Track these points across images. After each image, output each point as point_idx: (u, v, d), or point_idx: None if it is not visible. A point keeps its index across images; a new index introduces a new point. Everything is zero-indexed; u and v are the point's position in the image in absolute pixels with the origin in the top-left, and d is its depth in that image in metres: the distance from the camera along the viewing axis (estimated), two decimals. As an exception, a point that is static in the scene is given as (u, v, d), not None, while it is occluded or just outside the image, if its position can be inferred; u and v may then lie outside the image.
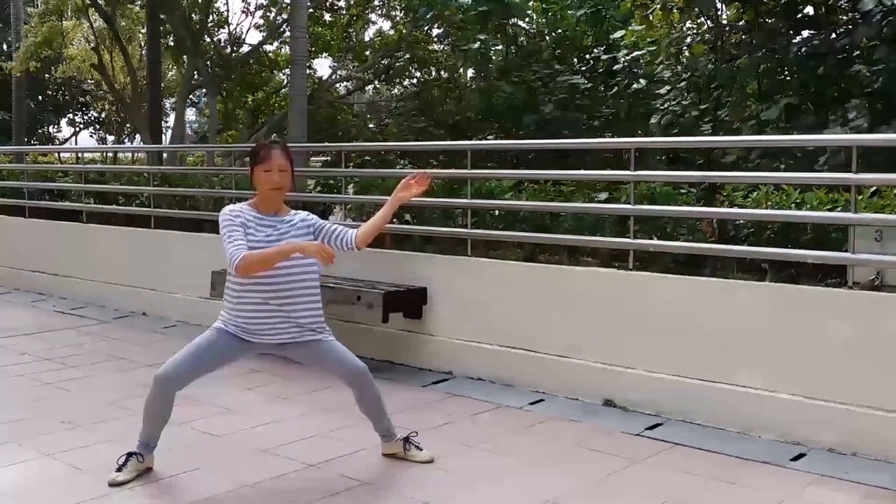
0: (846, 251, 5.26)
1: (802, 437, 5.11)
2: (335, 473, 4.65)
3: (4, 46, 27.63)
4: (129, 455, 4.55)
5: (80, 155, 13.51)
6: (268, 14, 21.57)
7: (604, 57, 12.30)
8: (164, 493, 4.35)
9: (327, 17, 21.12)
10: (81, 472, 4.65)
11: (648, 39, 10.60)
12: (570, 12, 14.61)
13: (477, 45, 12.97)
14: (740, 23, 9.78)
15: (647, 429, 5.44)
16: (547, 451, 5.03)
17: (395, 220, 8.15)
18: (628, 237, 6.11)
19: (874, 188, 5.67)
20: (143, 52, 22.02)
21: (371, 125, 20.23)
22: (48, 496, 4.33)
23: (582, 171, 7.99)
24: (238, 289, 4.50)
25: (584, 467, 4.77)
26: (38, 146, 26.37)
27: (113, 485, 4.41)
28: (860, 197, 5.44)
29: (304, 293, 4.53)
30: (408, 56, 20.13)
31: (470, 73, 18.79)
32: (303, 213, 4.72)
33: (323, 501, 4.27)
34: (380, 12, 21.60)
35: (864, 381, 4.95)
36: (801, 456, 4.94)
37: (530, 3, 15.59)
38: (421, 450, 4.86)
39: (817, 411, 5.07)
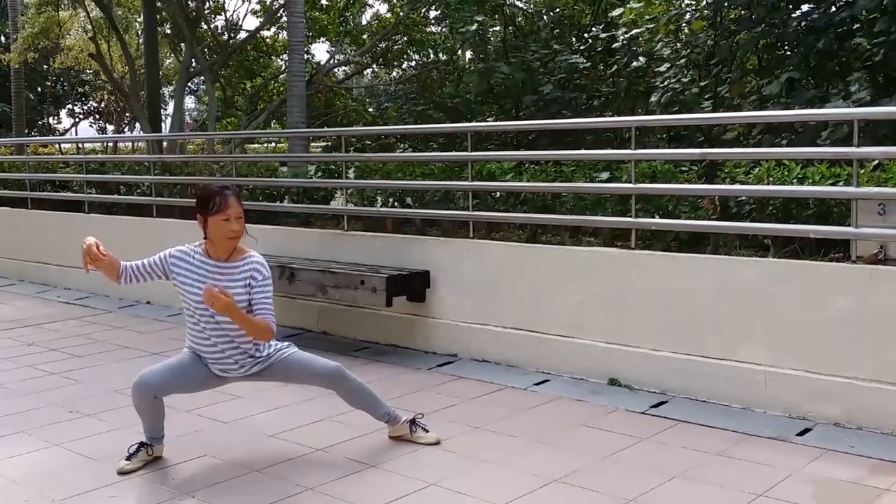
0: (849, 225, 5.25)
1: (807, 412, 5.13)
2: (342, 457, 4.67)
3: (2, 38, 27.59)
4: (141, 445, 4.58)
5: (80, 145, 13.48)
6: (264, -1, 21.51)
7: (602, 35, 12.23)
8: (171, 480, 4.37)
9: (324, 1, 21.06)
10: (89, 460, 4.67)
11: (647, 17, 10.54)
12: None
13: (474, 26, 12.89)
14: (739, -3, 9.74)
15: (651, 407, 5.45)
16: (552, 431, 5.05)
17: (396, 203, 8.18)
18: (630, 216, 6.10)
19: (876, 162, 5.65)
20: (141, 41, 21.96)
21: (370, 109, 20.18)
22: (56, 485, 4.35)
23: (582, 151, 7.98)
24: (195, 335, 4.55)
25: (589, 446, 4.79)
26: (38, 137, 26.37)
27: (121, 473, 4.44)
28: (862, 171, 5.42)
29: (235, 330, 4.45)
30: (405, 39, 20.09)
31: (468, 54, 18.73)
32: (253, 259, 4.53)
33: (331, 485, 4.28)
34: (376, -5, 21.56)
35: (868, 355, 4.96)
36: (806, 431, 4.95)
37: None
38: (427, 431, 4.89)
39: (822, 386, 5.08)
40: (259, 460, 4.63)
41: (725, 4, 9.47)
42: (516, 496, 4.11)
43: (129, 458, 4.53)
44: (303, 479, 4.37)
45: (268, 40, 22.66)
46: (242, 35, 21.94)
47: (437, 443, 4.85)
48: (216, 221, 4.40)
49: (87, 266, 4.36)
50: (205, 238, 4.52)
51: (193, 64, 20.21)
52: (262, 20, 21.26)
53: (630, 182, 6.13)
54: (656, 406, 5.47)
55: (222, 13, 22.27)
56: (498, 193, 7.42)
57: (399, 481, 4.33)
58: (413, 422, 4.90)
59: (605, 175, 6.77)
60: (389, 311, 6.89)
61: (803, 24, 8.74)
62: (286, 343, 4.71)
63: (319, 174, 9.06)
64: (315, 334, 7.57)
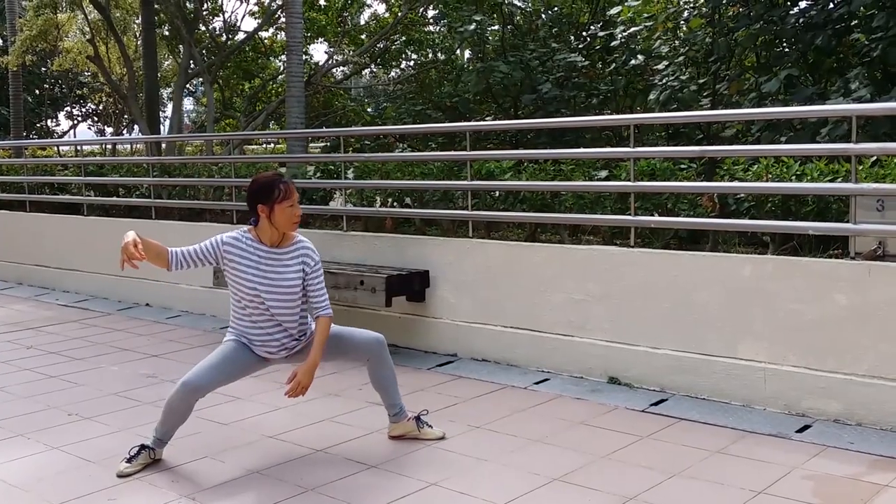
0: (847, 222, 5.25)
1: (807, 409, 5.13)
2: (342, 458, 4.67)
3: (0, 41, 27.56)
4: (142, 448, 4.57)
5: (78, 148, 13.47)
6: (262, 0, 21.49)
7: (601, 34, 12.22)
8: (171, 482, 4.37)
9: (322, 1, 21.05)
10: (89, 463, 4.67)
11: (645, 15, 10.53)
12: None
13: (473, 25, 12.87)
14: (736, -5, 9.74)
15: (651, 405, 5.45)
16: (553, 430, 5.05)
17: (395, 203, 8.17)
18: (629, 214, 6.10)
19: (875, 158, 5.64)
20: (139, 43, 21.95)
21: (369, 109, 20.17)
22: (56, 488, 4.34)
23: (581, 150, 7.97)
24: (243, 321, 4.59)
25: (590, 445, 4.79)
26: (36, 140, 26.37)
27: (121, 476, 4.44)
28: (861, 167, 5.41)
29: (294, 314, 4.55)
30: (403, 39, 20.07)
31: (466, 54, 18.72)
32: (302, 243, 4.63)
33: (331, 486, 4.28)
34: (374, -5, 21.55)
35: (868, 352, 4.96)
36: (806, 427, 4.95)
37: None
38: (432, 427, 4.92)
39: (821, 382, 5.08)
40: (259, 461, 4.63)
41: (723, 2, 9.46)
42: (517, 495, 4.11)
43: (129, 460, 4.52)
44: (303, 480, 4.36)
45: (266, 41, 22.65)
46: (241, 36, 21.93)
47: (443, 437, 4.89)
48: (283, 208, 4.45)
49: (124, 265, 4.31)
50: (254, 226, 4.56)
51: (192, 65, 20.20)
52: (260, 21, 21.25)
53: (629, 180, 6.13)
54: (656, 404, 5.47)
55: (220, 14, 22.26)
56: (497, 193, 7.41)
57: (399, 481, 4.33)
58: (418, 418, 4.91)
59: (603, 173, 6.76)
60: (389, 312, 6.88)
61: (801, 20, 8.73)
62: None
63: (318, 174, 9.05)
64: (315, 335, 7.56)
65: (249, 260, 4.50)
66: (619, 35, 11.02)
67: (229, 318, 4.69)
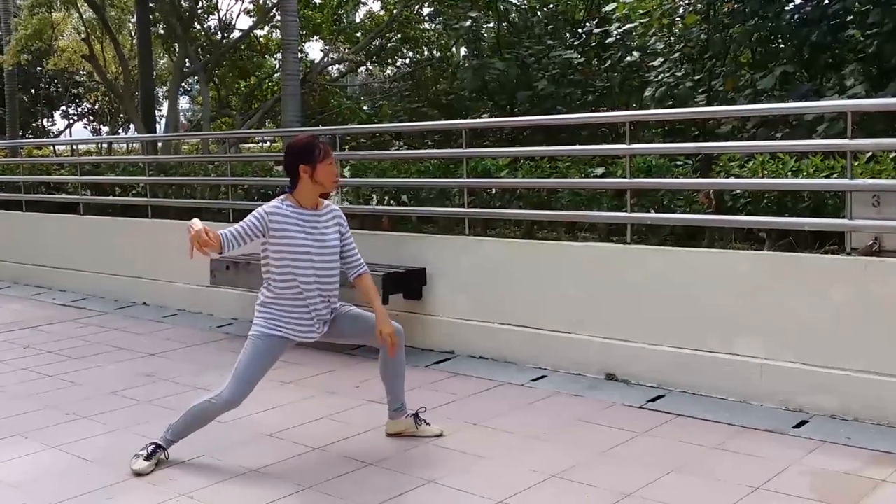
0: (843, 217, 5.26)
1: (804, 404, 5.14)
2: (341, 455, 4.67)
3: (-5, 40, 27.51)
4: (157, 448, 4.56)
5: (74, 147, 13.46)
6: (257, -2, 21.46)
7: (596, 31, 12.23)
8: (169, 481, 4.37)
9: (317, -1, 21.04)
10: (86, 462, 4.67)
11: (640, 11, 10.54)
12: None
13: (468, 22, 12.88)
14: (732, -9, 9.74)
15: (649, 401, 5.46)
16: (550, 427, 5.05)
17: (392, 201, 8.17)
18: (625, 211, 6.11)
19: (870, 153, 5.65)
20: (134, 42, 21.92)
21: (365, 107, 20.15)
22: (55, 487, 4.34)
23: (577, 147, 7.98)
24: (286, 292, 4.55)
25: (587, 441, 4.80)
26: (32, 139, 26.32)
27: (138, 474, 4.42)
28: (856, 163, 5.42)
29: (335, 277, 4.65)
30: (399, 36, 20.06)
31: (462, 51, 18.71)
32: (332, 206, 4.76)
33: (329, 484, 4.28)
34: (370, -7, 21.53)
35: (864, 347, 4.97)
36: (803, 423, 4.96)
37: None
38: (430, 425, 4.94)
39: (818, 378, 5.09)
40: (257, 460, 4.63)
41: (718, -2, 9.48)
42: (515, 492, 4.12)
43: (147, 458, 4.50)
44: (301, 477, 4.37)
45: (261, 39, 22.62)
46: (236, 34, 21.90)
47: (441, 434, 4.90)
48: (325, 166, 4.55)
49: (194, 253, 4.30)
50: (290, 190, 4.60)
51: (187, 64, 20.18)
52: (255, 19, 21.22)
53: (625, 177, 6.14)
54: (653, 400, 5.48)
55: (215, 13, 22.23)
56: (493, 190, 7.42)
57: (398, 479, 4.33)
58: (416, 416, 4.92)
59: (600, 170, 6.77)
60: (386, 309, 6.87)
61: (796, 16, 8.75)
62: None
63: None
64: (312, 333, 7.56)
65: (297, 225, 4.54)
66: (615, 32, 11.04)
67: (261, 302, 4.62)
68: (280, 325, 4.56)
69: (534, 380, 6.02)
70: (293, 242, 4.50)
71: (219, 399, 4.51)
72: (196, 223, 4.25)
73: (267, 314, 4.59)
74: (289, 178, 4.62)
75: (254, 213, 4.55)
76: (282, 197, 4.63)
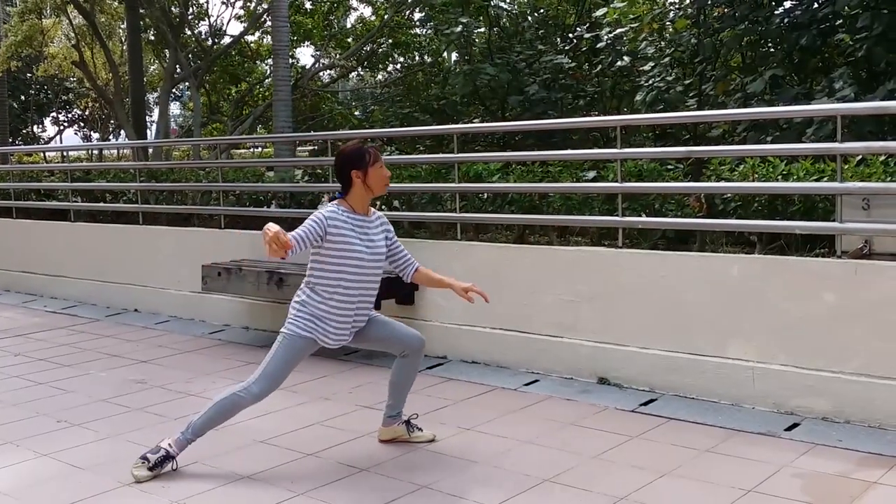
0: (834, 221, 5.28)
1: (796, 407, 5.15)
2: (333, 461, 4.67)
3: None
4: (166, 458, 4.52)
5: (65, 153, 13.44)
6: (248, 4, 21.45)
7: (587, 35, 12.25)
8: (162, 488, 4.36)
9: (308, 5, 21.03)
10: (78, 470, 4.65)
11: (631, 16, 10.57)
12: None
13: (459, 28, 12.88)
14: (721, -5, 9.78)
15: (641, 405, 5.47)
16: (543, 431, 5.06)
17: (383, 206, 8.17)
18: (617, 215, 6.13)
19: (860, 157, 5.67)
20: (124, 48, 21.89)
21: (356, 112, 20.14)
22: (45, 495, 4.33)
23: (569, 151, 7.98)
24: (333, 298, 4.54)
25: (580, 445, 4.80)
26: (22, 146, 26.26)
27: (139, 481, 4.41)
28: (846, 166, 5.44)
29: (377, 284, 4.72)
30: (390, 41, 20.07)
31: (453, 56, 18.74)
32: (379, 213, 4.82)
33: (321, 490, 4.28)
34: (361, -2, 21.54)
35: (855, 349, 4.98)
36: (794, 426, 4.98)
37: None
38: (422, 430, 4.95)
39: (810, 381, 5.11)
40: (250, 466, 4.62)
41: (708, 3, 9.50)
42: (508, 497, 4.12)
43: (152, 468, 4.48)
44: (294, 484, 4.36)
45: (252, 45, 22.61)
46: (227, 40, 21.88)
47: (433, 440, 4.90)
48: (376, 170, 4.62)
49: (273, 255, 4.28)
50: (342, 195, 4.63)
51: (178, 70, 20.14)
52: (246, 25, 21.21)
53: (616, 181, 6.16)
54: (646, 404, 5.49)
55: (206, 19, 22.22)
56: (485, 195, 7.43)
57: (391, 484, 4.33)
58: (408, 422, 4.93)
59: (591, 174, 6.78)
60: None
61: (786, 20, 8.78)
62: None
63: (306, 178, 9.05)
64: (304, 339, 7.55)
65: (353, 231, 4.57)
66: (606, 36, 11.06)
67: (300, 301, 4.60)
68: (316, 329, 4.56)
69: (526, 384, 6.02)
70: (349, 248, 4.53)
71: (248, 393, 4.51)
72: (272, 226, 4.23)
73: (305, 315, 4.57)
74: (340, 185, 4.65)
75: (312, 218, 4.53)
76: (335, 202, 4.64)
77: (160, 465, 4.50)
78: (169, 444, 4.55)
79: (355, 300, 4.58)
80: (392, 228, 4.83)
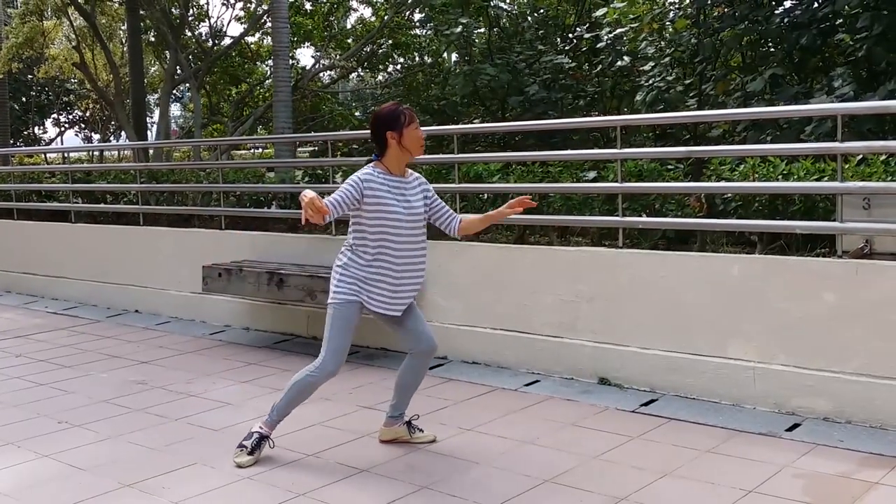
0: (834, 220, 5.28)
1: (797, 408, 5.15)
2: (334, 462, 4.67)
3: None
4: (262, 439, 4.69)
5: (66, 155, 13.43)
6: (248, 5, 21.44)
7: (587, 35, 12.24)
8: (162, 489, 4.36)
9: (308, 5, 21.01)
10: (79, 471, 4.65)
11: (631, 16, 10.57)
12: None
13: (459, 28, 12.88)
14: (721, -5, 9.78)
15: (641, 405, 5.46)
16: (543, 432, 5.05)
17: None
18: (617, 215, 6.12)
19: (861, 156, 5.67)
20: (125, 49, 21.88)
21: (356, 113, 20.13)
22: (47, 496, 4.33)
23: (569, 151, 7.99)
24: (376, 261, 4.57)
25: (580, 446, 4.80)
26: (23, 148, 26.27)
27: (241, 467, 4.57)
28: (847, 165, 5.44)
29: (424, 253, 4.72)
30: (390, 42, 20.06)
31: (453, 56, 18.73)
32: (417, 174, 4.83)
33: (322, 490, 4.28)
34: (361, -1, 21.51)
35: (856, 349, 4.98)
36: (795, 426, 4.97)
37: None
38: (423, 431, 4.95)
39: (810, 381, 5.10)
40: (250, 467, 4.61)
41: (708, 2, 9.49)
42: (508, 497, 4.12)
43: (251, 451, 4.66)
44: (294, 484, 4.36)
45: (252, 46, 22.59)
46: (227, 41, 21.86)
47: (434, 440, 4.90)
48: (411, 131, 4.64)
49: (309, 219, 4.29)
50: (377, 157, 4.66)
51: (178, 71, 20.13)
52: (246, 26, 21.21)
53: (616, 181, 6.15)
54: (646, 404, 5.48)
55: (206, 20, 22.20)
56: (485, 195, 7.43)
57: (391, 485, 4.33)
58: (409, 423, 4.93)
59: (591, 175, 6.78)
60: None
61: (786, 20, 8.77)
62: None
63: (307, 179, 9.05)
64: (305, 339, 7.56)
65: (391, 193, 4.59)
66: (605, 36, 11.05)
67: (342, 264, 4.64)
68: (361, 292, 4.59)
69: (527, 385, 6.02)
70: (387, 209, 4.54)
71: (321, 371, 4.61)
72: (308, 192, 4.28)
73: (348, 279, 4.60)
74: (376, 146, 4.69)
75: (348, 181, 4.58)
76: (371, 165, 4.67)
77: (258, 448, 4.68)
78: (260, 427, 4.74)
79: (400, 266, 4.58)
80: (430, 187, 4.83)
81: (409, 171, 4.78)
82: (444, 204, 4.85)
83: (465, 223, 4.86)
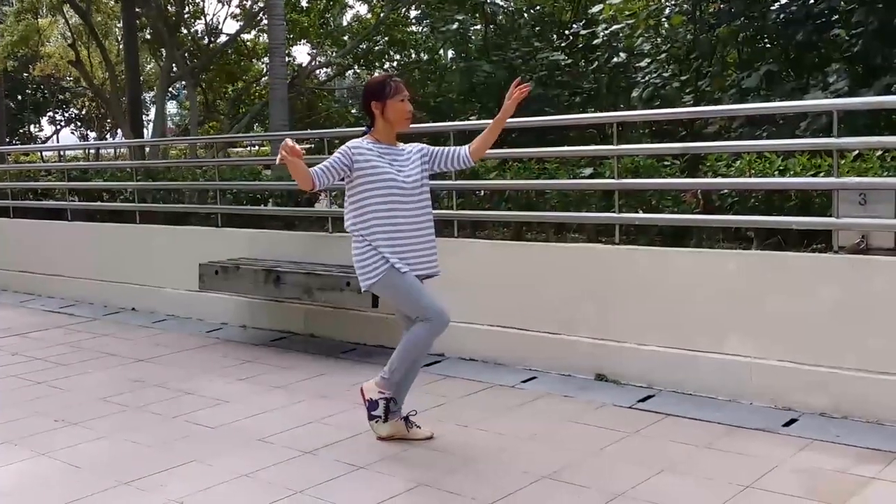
0: (830, 216, 5.28)
1: (793, 403, 5.15)
2: (331, 459, 4.66)
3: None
4: (389, 401, 4.76)
5: (62, 153, 13.45)
6: (244, 2, 21.44)
7: (583, 32, 12.25)
8: (160, 486, 4.35)
9: (304, 2, 21.01)
10: (77, 469, 4.65)
11: (627, 13, 10.58)
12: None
13: (455, 25, 12.90)
14: (717, -9, 9.79)
15: (639, 401, 5.47)
16: (541, 428, 5.05)
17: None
18: (614, 212, 6.12)
19: (857, 152, 5.68)
20: (121, 47, 21.86)
21: (353, 110, 20.14)
22: (44, 495, 4.33)
23: (565, 148, 7.98)
24: (379, 229, 4.61)
25: (578, 442, 4.80)
26: (19, 146, 26.23)
27: (382, 438, 4.77)
28: (843, 161, 5.45)
29: (431, 226, 4.79)
30: (386, 39, 20.07)
31: (450, 53, 18.73)
32: (414, 145, 4.86)
33: (320, 488, 4.28)
34: (356, -4, 21.53)
35: (852, 345, 4.99)
36: (792, 421, 4.98)
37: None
38: (420, 427, 4.94)
39: (807, 376, 5.11)
40: (247, 464, 4.61)
41: (704, -2, 9.51)
42: (506, 493, 4.12)
43: (385, 419, 4.76)
44: (292, 482, 4.36)
45: (248, 43, 22.60)
46: (223, 39, 21.87)
47: (431, 437, 4.89)
48: (394, 103, 4.66)
49: (283, 159, 4.39)
50: (369, 130, 4.73)
51: (174, 69, 20.13)
52: (242, 24, 21.20)
53: (613, 178, 6.15)
54: (643, 400, 5.48)
55: (202, 17, 22.20)
56: (482, 192, 7.43)
57: (388, 482, 4.33)
58: (407, 419, 4.92)
59: (588, 171, 6.78)
60: (376, 313, 6.87)
61: (782, 16, 8.78)
62: None
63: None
64: (302, 337, 7.56)
65: (380, 156, 4.64)
66: (602, 33, 11.06)
67: (357, 255, 4.70)
68: (383, 260, 4.61)
69: (524, 381, 6.02)
70: (377, 171, 4.59)
71: (433, 325, 4.64)
72: (288, 140, 4.40)
73: (368, 258, 4.64)
74: (368, 117, 4.75)
75: (337, 151, 4.66)
76: (361, 138, 4.74)
77: (389, 412, 4.76)
78: (379, 393, 4.77)
79: (405, 233, 4.61)
80: (429, 147, 4.84)
81: (402, 143, 4.82)
82: (445, 148, 4.86)
83: (476, 144, 4.88)
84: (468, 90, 13.06)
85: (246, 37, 22.13)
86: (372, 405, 4.80)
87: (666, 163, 6.93)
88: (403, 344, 4.72)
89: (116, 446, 4.95)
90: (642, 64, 10.49)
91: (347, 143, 4.68)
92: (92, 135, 34.48)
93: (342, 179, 4.70)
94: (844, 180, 5.19)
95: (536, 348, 6.25)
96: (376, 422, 4.81)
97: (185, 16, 20.63)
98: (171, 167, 10.76)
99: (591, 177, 6.69)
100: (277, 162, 4.44)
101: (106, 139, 32.82)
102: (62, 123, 35.20)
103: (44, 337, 8.08)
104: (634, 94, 10.06)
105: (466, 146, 4.87)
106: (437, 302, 4.67)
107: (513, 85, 4.81)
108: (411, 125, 4.94)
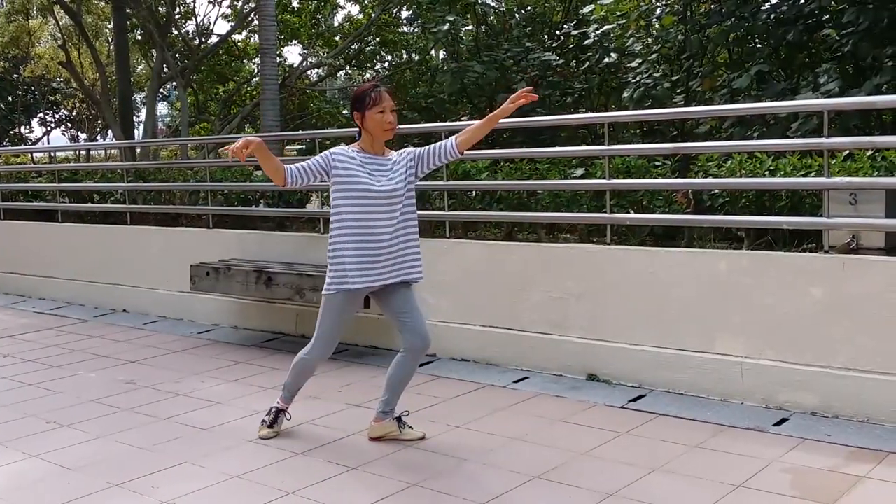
0: (821, 216, 5.30)
1: (784, 402, 5.17)
2: (322, 460, 4.66)
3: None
4: (279, 412, 5.01)
5: (52, 154, 13.39)
6: (235, 3, 21.40)
7: (574, 32, 12.25)
8: (151, 488, 4.34)
9: (295, 3, 20.98)
10: (68, 471, 4.64)
11: (618, 13, 10.59)
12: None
13: (446, 26, 12.86)
14: (708, -8, 9.82)
15: (630, 401, 5.48)
16: (532, 428, 5.06)
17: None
18: (605, 212, 6.13)
19: (847, 152, 5.70)
20: (111, 48, 21.80)
21: (344, 111, 20.10)
22: (36, 496, 4.32)
23: (556, 148, 7.98)
24: (354, 236, 4.63)
25: (569, 442, 4.81)
26: (9, 147, 26.14)
27: (264, 438, 4.94)
28: (833, 161, 5.47)
29: (410, 233, 4.77)
30: (378, 40, 20.04)
31: (441, 54, 18.72)
32: (404, 151, 4.86)
33: (311, 489, 4.28)
34: (348, -4, 21.51)
35: (843, 344, 5.00)
36: (783, 420, 5.00)
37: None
38: (412, 428, 4.94)
39: (798, 376, 5.13)
40: (239, 466, 4.61)
41: (694, -1, 9.53)
42: (497, 494, 4.12)
43: (270, 425, 5.01)
44: (283, 483, 4.36)
45: (239, 44, 22.54)
46: (214, 39, 21.81)
47: (423, 438, 4.90)
48: (373, 115, 4.66)
49: (233, 153, 4.46)
50: (359, 137, 4.76)
51: (165, 69, 20.07)
52: (233, 24, 21.16)
53: (604, 178, 6.17)
54: (635, 400, 5.50)
55: (193, 18, 22.14)
56: (474, 192, 7.43)
57: (380, 483, 4.33)
58: (399, 419, 4.92)
59: (579, 172, 6.79)
60: (367, 313, 6.85)
61: (772, 16, 8.80)
62: None
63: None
64: (293, 337, 7.55)
65: (361, 166, 4.65)
66: (593, 33, 11.06)
67: (329, 255, 4.73)
68: (343, 278, 4.65)
69: (516, 381, 6.03)
70: (353, 180, 4.61)
71: (311, 356, 4.89)
72: (249, 139, 4.48)
73: (334, 268, 4.69)
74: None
75: (320, 154, 4.70)
76: (352, 145, 4.78)
77: (277, 421, 5.03)
78: (278, 402, 5.07)
79: (377, 239, 4.62)
80: (417, 150, 4.82)
81: (392, 151, 4.82)
82: (433, 144, 4.84)
83: (465, 135, 4.84)
84: (459, 90, 13.03)
85: (237, 37, 22.08)
86: (267, 411, 5.12)
87: (657, 163, 6.94)
88: (293, 369, 5.00)
89: (108, 448, 4.94)
90: (633, 64, 10.50)
91: (332, 148, 4.70)
92: (83, 136, 34.36)
93: (322, 182, 4.74)
94: (835, 180, 5.21)
95: (528, 348, 6.26)
96: (262, 424, 5.08)
97: (176, 16, 20.57)
98: (163, 168, 10.73)
99: (582, 177, 6.70)
100: (230, 156, 4.50)
101: (97, 140, 32.72)
102: (53, 125, 35.06)
103: (35, 339, 8.05)
104: (625, 94, 10.06)
105: (453, 137, 4.85)
106: (329, 343, 4.86)
107: (522, 89, 4.80)
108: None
